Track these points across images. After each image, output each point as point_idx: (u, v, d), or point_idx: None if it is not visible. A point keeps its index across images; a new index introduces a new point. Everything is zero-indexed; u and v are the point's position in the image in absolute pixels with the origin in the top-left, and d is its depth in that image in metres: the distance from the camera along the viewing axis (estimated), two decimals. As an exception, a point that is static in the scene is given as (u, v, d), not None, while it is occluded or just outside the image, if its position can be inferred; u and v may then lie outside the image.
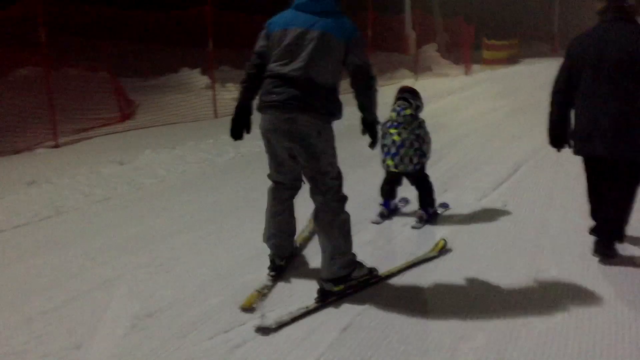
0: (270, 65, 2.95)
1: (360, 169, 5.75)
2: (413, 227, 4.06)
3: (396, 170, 4.15)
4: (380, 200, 4.33)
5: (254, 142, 5.44)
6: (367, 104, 3.03)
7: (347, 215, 3.05)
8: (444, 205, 4.46)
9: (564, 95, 3.35)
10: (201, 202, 4.92)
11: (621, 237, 3.37)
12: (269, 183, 3.29)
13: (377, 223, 4.18)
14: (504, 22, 35.52)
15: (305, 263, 3.51)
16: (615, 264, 3.31)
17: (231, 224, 4.30)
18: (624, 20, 3.17)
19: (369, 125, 3.09)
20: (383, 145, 4.13)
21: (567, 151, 3.51)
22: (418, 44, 21.07)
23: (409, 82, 15.89)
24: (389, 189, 4.29)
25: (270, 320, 2.70)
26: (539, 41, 39.17)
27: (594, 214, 3.49)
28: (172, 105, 10.17)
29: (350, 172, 4.41)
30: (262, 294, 3.02)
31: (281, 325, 2.68)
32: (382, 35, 19.21)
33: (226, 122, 3.26)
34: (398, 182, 4.33)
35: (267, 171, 3.24)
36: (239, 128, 3.08)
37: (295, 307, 2.84)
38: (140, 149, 6.92)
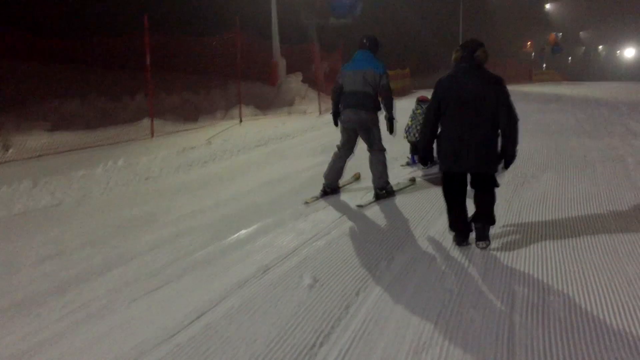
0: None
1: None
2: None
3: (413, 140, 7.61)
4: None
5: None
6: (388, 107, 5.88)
7: (385, 158, 5.98)
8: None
9: (432, 126, 4.30)
10: None
11: (494, 221, 4.41)
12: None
13: (406, 165, 7.77)
14: (397, 51, 32.43)
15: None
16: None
17: None
18: (474, 66, 4.16)
19: (388, 119, 5.89)
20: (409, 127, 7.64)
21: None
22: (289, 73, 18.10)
23: (231, 125, 12.46)
24: (413, 149, 7.76)
25: (362, 202, 5.80)
26: (443, 70, 39.14)
27: (455, 216, 4.40)
28: None
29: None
30: (315, 199, 6.01)
31: (367, 204, 5.70)
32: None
33: None
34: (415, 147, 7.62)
35: None
36: (336, 120, 6.07)
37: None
38: None
